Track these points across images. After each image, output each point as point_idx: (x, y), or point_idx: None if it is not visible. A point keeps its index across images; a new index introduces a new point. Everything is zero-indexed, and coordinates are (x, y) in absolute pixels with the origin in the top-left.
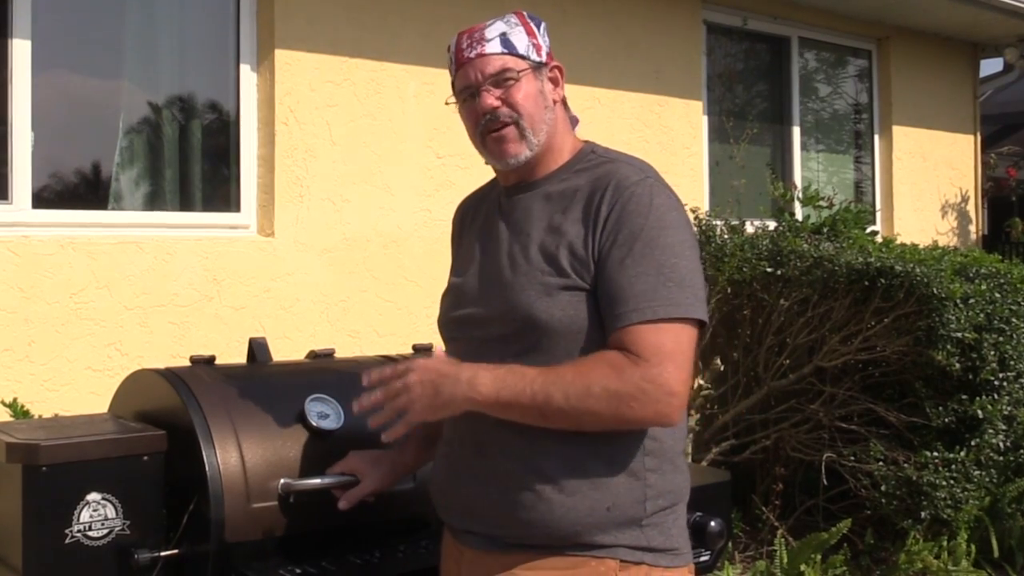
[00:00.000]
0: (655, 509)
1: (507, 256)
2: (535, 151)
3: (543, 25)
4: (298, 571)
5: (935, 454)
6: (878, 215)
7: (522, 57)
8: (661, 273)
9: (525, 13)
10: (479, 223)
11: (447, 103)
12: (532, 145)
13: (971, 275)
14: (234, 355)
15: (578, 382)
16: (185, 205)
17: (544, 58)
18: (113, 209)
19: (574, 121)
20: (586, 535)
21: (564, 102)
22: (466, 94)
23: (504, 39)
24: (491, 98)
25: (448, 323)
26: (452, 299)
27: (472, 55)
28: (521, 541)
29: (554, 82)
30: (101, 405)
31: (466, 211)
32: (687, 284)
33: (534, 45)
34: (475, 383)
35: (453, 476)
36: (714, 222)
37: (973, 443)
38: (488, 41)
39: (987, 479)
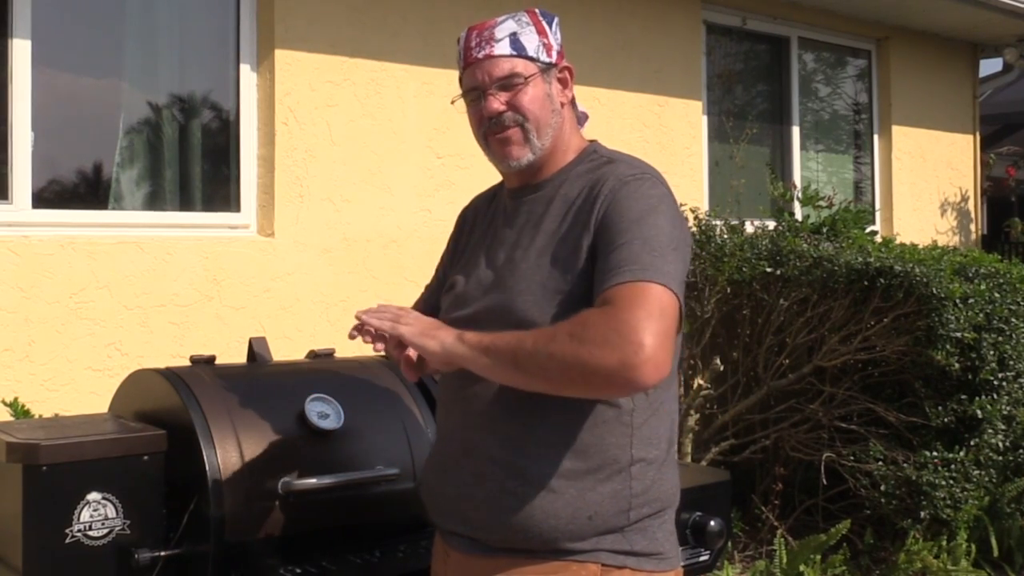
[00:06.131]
0: (639, 517)
1: (507, 260)
2: (539, 155)
3: (556, 21)
4: (298, 571)
5: (934, 454)
6: (877, 215)
7: (531, 59)
8: (646, 243)
9: (538, 11)
10: (484, 225)
11: (452, 102)
12: (536, 149)
13: (970, 275)
14: (234, 355)
15: (548, 331)
16: (185, 205)
17: (554, 58)
18: (113, 209)
19: (583, 118)
20: (565, 541)
21: (572, 101)
22: (473, 95)
23: (514, 39)
24: (496, 102)
25: (447, 324)
26: (452, 300)
27: (480, 55)
28: (502, 545)
29: (563, 83)
30: (101, 405)
31: (474, 211)
32: (670, 259)
33: (544, 45)
34: (461, 332)
35: (440, 475)
36: (714, 222)
37: (972, 443)
38: (497, 41)
39: (986, 479)
